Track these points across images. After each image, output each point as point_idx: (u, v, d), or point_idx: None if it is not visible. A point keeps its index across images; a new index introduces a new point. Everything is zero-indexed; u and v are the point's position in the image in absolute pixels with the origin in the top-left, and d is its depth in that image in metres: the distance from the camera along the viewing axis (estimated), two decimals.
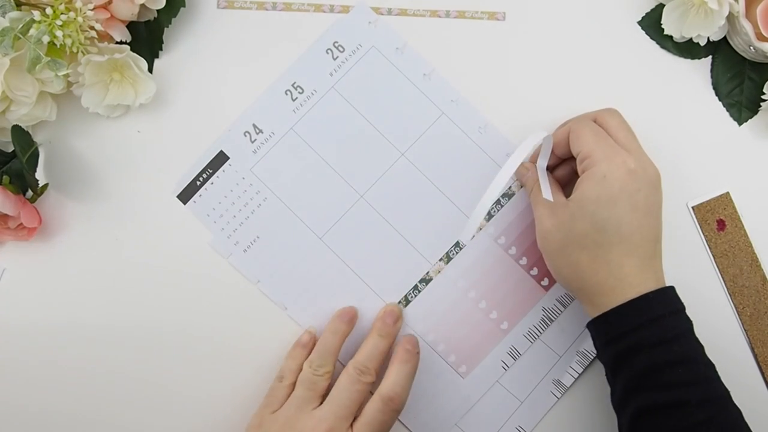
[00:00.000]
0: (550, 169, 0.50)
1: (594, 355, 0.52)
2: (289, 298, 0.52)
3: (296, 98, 0.53)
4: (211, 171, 0.52)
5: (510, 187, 0.53)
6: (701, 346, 0.45)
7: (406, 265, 0.52)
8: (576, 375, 0.52)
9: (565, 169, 0.50)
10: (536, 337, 0.52)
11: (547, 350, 0.53)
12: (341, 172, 0.52)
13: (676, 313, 0.44)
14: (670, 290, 0.45)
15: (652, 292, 0.44)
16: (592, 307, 0.46)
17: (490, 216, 0.53)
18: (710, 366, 0.44)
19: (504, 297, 0.52)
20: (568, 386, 0.52)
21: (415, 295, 0.52)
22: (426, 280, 0.52)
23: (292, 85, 0.53)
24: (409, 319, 0.52)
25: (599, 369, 0.52)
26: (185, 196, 0.53)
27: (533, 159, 0.51)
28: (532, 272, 0.53)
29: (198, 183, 0.52)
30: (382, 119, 0.53)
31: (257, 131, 0.52)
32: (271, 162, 0.53)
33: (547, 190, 0.47)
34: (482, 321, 0.52)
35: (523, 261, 0.53)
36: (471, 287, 0.52)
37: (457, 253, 0.53)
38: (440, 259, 0.52)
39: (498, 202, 0.52)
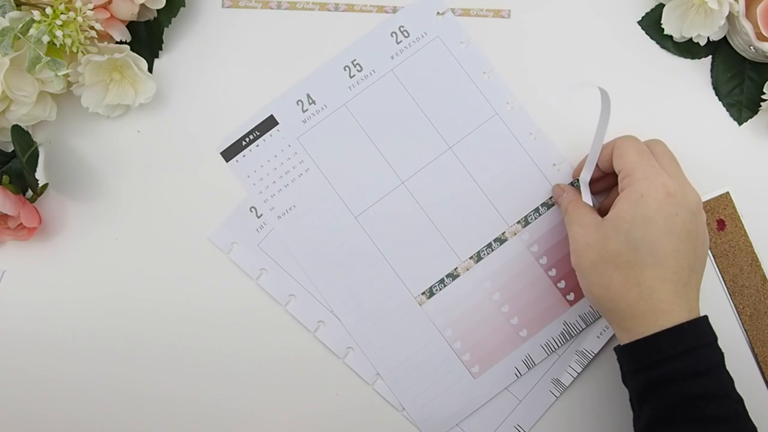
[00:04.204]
0: (594, 185, 0.50)
1: (593, 355, 0.52)
2: (315, 272, 0.52)
3: (354, 75, 0.53)
4: (258, 133, 0.53)
5: (551, 197, 0.52)
6: (732, 380, 0.44)
7: (436, 257, 0.52)
8: (575, 374, 0.52)
9: (610, 198, 0.50)
10: (553, 349, 0.52)
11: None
12: (386, 156, 0.53)
13: (709, 344, 0.43)
14: (704, 320, 0.44)
15: (686, 323, 0.43)
16: (622, 330, 0.45)
17: (527, 222, 0.52)
18: (740, 401, 0.43)
19: (527, 305, 0.52)
20: (567, 385, 0.52)
21: (440, 289, 0.52)
22: (453, 276, 0.52)
23: (352, 62, 0.53)
24: (430, 311, 0.52)
25: (598, 369, 0.52)
26: (229, 154, 0.53)
27: (576, 174, 0.51)
28: (559, 285, 0.52)
29: (243, 143, 0.53)
30: (435, 110, 0.53)
31: (310, 101, 0.53)
32: (319, 134, 0.53)
33: (588, 196, 0.47)
34: (502, 325, 0.52)
35: (553, 272, 0.52)
36: (496, 290, 0.52)
37: (488, 253, 0.52)
38: (470, 257, 0.52)
39: (537, 210, 0.52)
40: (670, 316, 0.43)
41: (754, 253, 0.53)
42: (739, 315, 0.52)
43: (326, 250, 0.52)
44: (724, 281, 0.53)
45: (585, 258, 0.46)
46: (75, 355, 0.53)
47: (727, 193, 0.53)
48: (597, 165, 0.48)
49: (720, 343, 0.44)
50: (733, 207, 0.53)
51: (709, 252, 0.53)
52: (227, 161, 0.53)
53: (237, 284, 0.53)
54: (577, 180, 0.50)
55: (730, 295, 0.53)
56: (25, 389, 0.53)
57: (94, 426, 0.53)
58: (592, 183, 0.49)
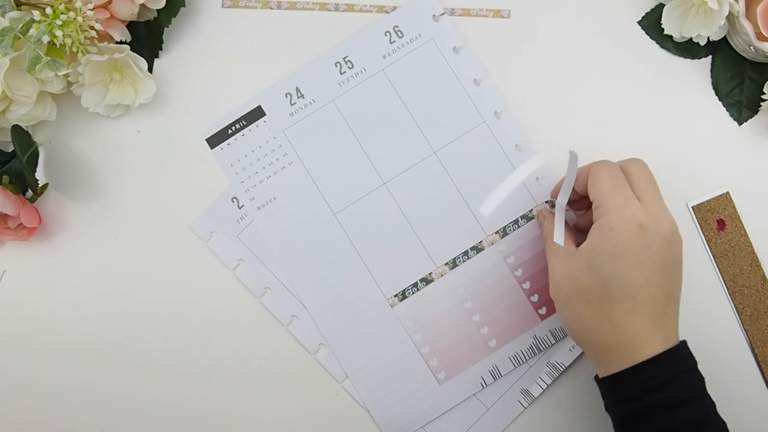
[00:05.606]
0: (573, 205, 0.50)
1: (564, 368, 0.52)
2: (290, 266, 0.52)
3: (344, 72, 0.53)
4: (245, 123, 0.53)
5: (531, 210, 0.52)
6: (713, 404, 0.43)
7: (411, 261, 0.52)
8: (545, 386, 0.52)
9: (588, 215, 0.49)
10: (521, 362, 0.52)
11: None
12: (370, 155, 0.52)
13: (688, 372, 0.43)
14: (682, 348, 0.43)
15: (664, 353, 0.42)
16: (598, 364, 0.44)
17: (505, 233, 0.52)
18: (722, 427, 0.43)
19: (499, 315, 0.52)
20: (536, 396, 0.52)
21: (413, 293, 0.52)
22: (427, 281, 0.52)
23: (344, 59, 0.53)
24: (401, 314, 0.52)
25: (568, 382, 0.52)
26: (214, 141, 0.53)
27: (554, 193, 0.50)
28: (532, 298, 0.52)
29: (229, 132, 0.53)
30: (422, 113, 0.53)
31: (299, 95, 0.52)
32: (305, 128, 0.53)
33: (560, 233, 0.46)
34: (472, 333, 0.52)
35: (526, 285, 0.52)
36: (469, 298, 0.52)
37: (463, 261, 0.52)
38: (446, 263, 0.52)
39: (516, 222, 0.52)
40: (645, 349, 0.42)
41: (754, 253, 0.53)
42: (739, 315, 0.52)
43: (303, 244, 0.52)
44: (724, 281, 0.53)
45: (560, 291, 0.45)
46: (74, 355, 0.53)
47: (727, 193, 0.53)
48: (574, 189, 0.47)
49: (720, 343, 0.44)
50: (733, 207, 0.53)
51: (709, 252, 0.53)
52: (212, 148, 0.53)
53: (216, 275, 0.52)
54: (555, 200, 0.49)
55: (730, 295, 0.53)
56: (25, 389, 0.53)
57: (92, 425, 0.53)
58: (573, 203, 0.49)
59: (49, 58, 0.46)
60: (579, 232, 0.50)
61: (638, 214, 0.42)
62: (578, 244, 0.45)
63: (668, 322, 0.43)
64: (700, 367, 0.44)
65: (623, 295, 0.42)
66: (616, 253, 0.42)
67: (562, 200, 0.47)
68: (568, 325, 0.45)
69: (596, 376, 0.45)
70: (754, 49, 0.50)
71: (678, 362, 0.42)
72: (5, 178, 0.51)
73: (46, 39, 0.46)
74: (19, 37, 0.46)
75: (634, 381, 0.42)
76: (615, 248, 0.42)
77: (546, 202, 0.52)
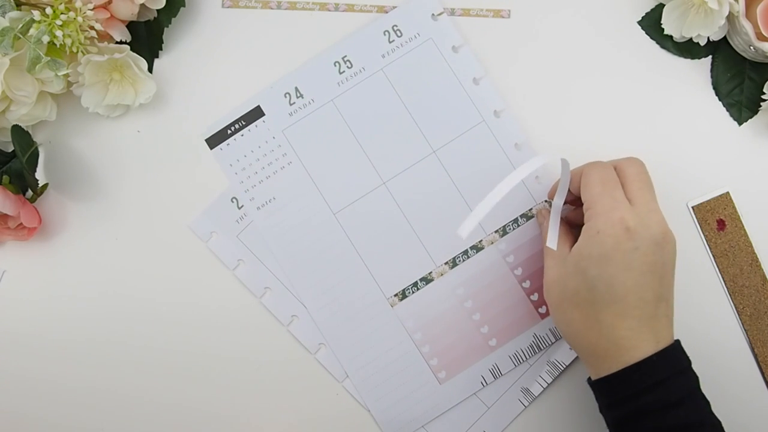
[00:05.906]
0: (572, 203, 0.49)
1: (565, 366, 0.52)
2: (290, 266, 0.52)
3: (343, 72, 0.53)
4: (244, 123, 0.52)
5: (531, 209, 0.52)
6: (707, 404, 0.43)
7: (411, 260, 0.52)
8: (545, 385, 0.52)
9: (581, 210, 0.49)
10: (521, 361, 0.52)
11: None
12: (370, 155, 0.52)
13: (681, 372, 0.42)
14: (674, 348, 0.43)
15: (655, 355, 0.42)
16: (589, 367, 0.45)
17: (504, 232, 0.52)
18: (717, 426, 0.43)
19: (499, 314, 0.52)
20: (536, 395, 0.52)
21: (413, 292, 0.52)
22: (427, 280, 0.52)
23: (342, 58, 0.53)
24: (401, 313, 0.52)
25: (568, 380, 0.52)
26: (214, 141, 0.53)
27: (550, 195, 0.50)
28: (532, 297, 0.52)
29: (229, 132, 0.53)
30: (422, 113, 0.52)
31: (298, 95, 0.52)
32: (304, 128, 0.53)
33: (553, 236, 0.46)
34: (472, 333, 0.52)
35: (527, 284, 0.52)
36: (469, 297, 0.52)
37: (463, 260, 0.52)
38: (446, 263, 0.52)
39: (516, 221, 0.52)
40: (634, 352, 0.42)
41: (754, 253, 0.53)
42: (739, 315, 0.52)
43: (302, 244, 0.52)
44: (724, 281, 0.53)
45: (551, 293, 0.45)
46: (74, 355, 0.53)
47: (727, 193, 0.53)
48: (570, 190, 0.47)
49: (720, 343, 0.43)
50: (733, 207, 0.53)
51: (709, 252, 0.53)
52: (211, 148, 0.53)
53: (218, 275, 0.52)
54: (551, 201, 0.49)
55: (730, 295, 0.53)
56: (25, 389, 0.53)
57: (92, 425, 0.53)
58: (571, 201, 0.48)
59: (49, 58, 0.46)
60: (574, 226, 0.50)
61: (626, 217, 0.42)
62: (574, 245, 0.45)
63: (659, 323, 0.43)
64: (699, 367, 0.44)
65: (611, 298, 0.42)
66: (603, 257, 0.42)
67: (558, 203, 0.47)
68: (560, 327, 0.46)
69: (588, 379, 0.46)
70: (754, 49, 0.50)
71: (670, 363, 0.42)
72: (5, 178, 0.51)
73: (46, 39, 0.46)
74: (19, 37, 0.46)
75: (625, 383, 0.42)
76: (602, 251, 0.42)
77: (545, 201, 0.52)
